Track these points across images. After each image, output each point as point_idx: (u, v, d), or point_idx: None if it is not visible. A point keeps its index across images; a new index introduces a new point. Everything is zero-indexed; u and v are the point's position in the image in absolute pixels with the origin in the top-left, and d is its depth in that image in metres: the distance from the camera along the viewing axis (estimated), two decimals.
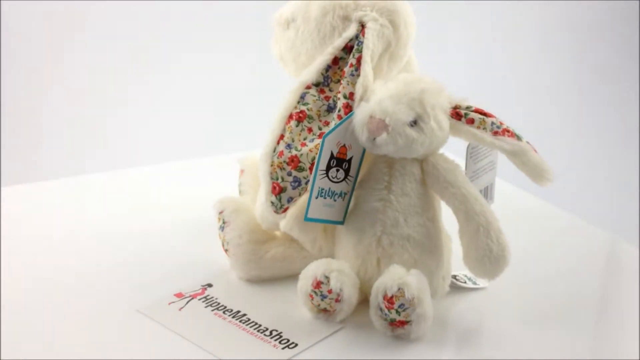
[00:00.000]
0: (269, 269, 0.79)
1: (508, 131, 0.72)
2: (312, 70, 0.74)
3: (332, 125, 0.72)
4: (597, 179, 1.65)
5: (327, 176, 0.71)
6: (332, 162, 0.71)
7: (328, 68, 0.75)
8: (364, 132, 0.69)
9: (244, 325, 0.72)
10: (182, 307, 0.75)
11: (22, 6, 1.43)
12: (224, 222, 0.79)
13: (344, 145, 0.71)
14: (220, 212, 0.80)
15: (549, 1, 1.70)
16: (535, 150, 0.73)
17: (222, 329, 0.71)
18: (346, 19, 0.75)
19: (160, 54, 1.56)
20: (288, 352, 0.68)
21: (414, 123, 0.69)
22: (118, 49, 1.54)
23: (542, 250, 0.91)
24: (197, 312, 0.74)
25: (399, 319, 0.68)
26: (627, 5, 1.68)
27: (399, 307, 0.67)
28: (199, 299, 0.76)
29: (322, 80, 0.74)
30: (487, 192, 0.81)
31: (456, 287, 0.78)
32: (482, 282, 0.79)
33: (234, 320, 0.73)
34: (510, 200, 0.88)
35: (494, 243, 0.69)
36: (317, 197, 0.70)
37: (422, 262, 0.71)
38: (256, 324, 0.72)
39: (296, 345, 0.69)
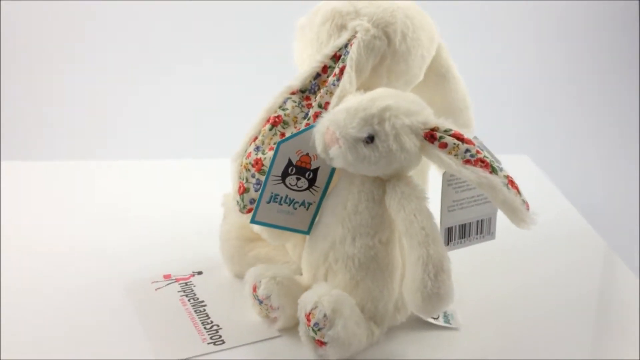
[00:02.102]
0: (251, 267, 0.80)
1: (483, 162, 0.65)
2: (299, 77, 0.74)
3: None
4: (596, 179, 1.56)
5: (284, 183, 0.70)
6: (290, 170, 0.70)
7: (317, 76, 0.74)
8: (320, 142, 0.67)
9: (194, 315, 0.74)
10: (159, 288, 0.79)
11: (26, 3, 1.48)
12: (224, 216, 0.82)
13: (307, 155, 0.70)
14: (223, 206, 0.83)
15: (548, 1, 1.58)
16: (515, 187, 0.65)
17: (172, 314, 0.74)
18: (343, 27, 0.73)
19: (168, 52, 1.55)
20: (210, 347, 0.69)
21: (370, 140, 0.66)
22: (130, 40, 1.54)
23: (527, 269, 0.87)
24: (167, 294, 0.78)
25: (316, 337, 0.66)
26: (627, 5, 1.50)
27: (314, 325, 0.65)
28: (180, 284, 0.80)
29: (309, 87, 0.74)
30: (482, 226, 0.74)
31: (427, 322, 0.73)
32: (455, 322, 0.73)
33: (190, 309, 0.75)
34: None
35: (431, 279, 0.64)
36: (269, 202, 0.70)
37: (364, 285, 0.68)
38: (207, 316, 0.74)
39: (223, 343, 0.70)
